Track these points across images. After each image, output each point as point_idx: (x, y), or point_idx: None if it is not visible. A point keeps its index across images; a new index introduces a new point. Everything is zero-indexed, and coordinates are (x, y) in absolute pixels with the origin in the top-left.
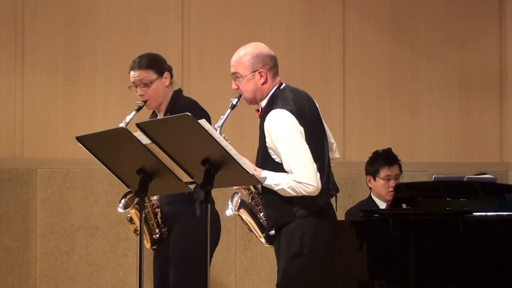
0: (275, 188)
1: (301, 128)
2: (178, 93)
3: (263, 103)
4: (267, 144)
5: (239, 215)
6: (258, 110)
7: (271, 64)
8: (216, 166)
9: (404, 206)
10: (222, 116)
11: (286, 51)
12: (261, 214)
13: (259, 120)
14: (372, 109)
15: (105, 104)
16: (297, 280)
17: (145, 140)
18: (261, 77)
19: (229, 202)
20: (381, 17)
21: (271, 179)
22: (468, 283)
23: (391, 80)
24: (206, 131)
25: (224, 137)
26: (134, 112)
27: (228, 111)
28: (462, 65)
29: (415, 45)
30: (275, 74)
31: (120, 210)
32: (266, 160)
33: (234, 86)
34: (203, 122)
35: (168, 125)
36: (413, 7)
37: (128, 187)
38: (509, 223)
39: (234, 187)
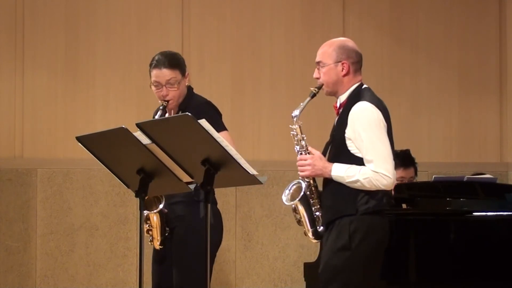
0: (347, 180)
1: (385, 124)
2: (190, 91)
3: (343, 97)
4: (346, 135)
5: (296, 204)
6: (335, 107)
7: (355, 59)
8: (216, 166)
9: (404, 206)
10: (301, 104)
11: (286, 51)
12: (314, 208)
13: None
14: None
15: (105, 104)
16: (338, 273)
17: (145, 140)
18: (343, 68)
19: (287, 190)
20: (381, 17)
21: (344, 171)
22: (468, 283)
23: (391, 80)
24: (206, 131)
25: (300, 125)
26: (160, 113)
27: (308, 99)
28: (462, 65)
29: (415, 45)
30: (357, 70)
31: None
32: (341, 153)
33: (316, 75)
34: (203, 122)
35: (168, 125)
36: (413, 7)
37: (128, 187)
38: (509, 223)
39: (301, 174)
